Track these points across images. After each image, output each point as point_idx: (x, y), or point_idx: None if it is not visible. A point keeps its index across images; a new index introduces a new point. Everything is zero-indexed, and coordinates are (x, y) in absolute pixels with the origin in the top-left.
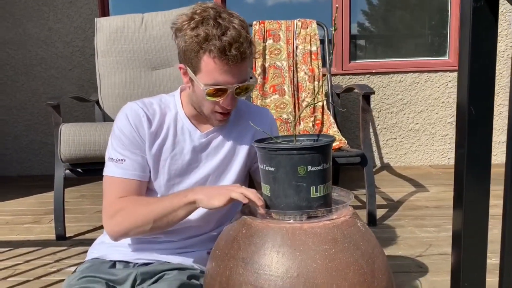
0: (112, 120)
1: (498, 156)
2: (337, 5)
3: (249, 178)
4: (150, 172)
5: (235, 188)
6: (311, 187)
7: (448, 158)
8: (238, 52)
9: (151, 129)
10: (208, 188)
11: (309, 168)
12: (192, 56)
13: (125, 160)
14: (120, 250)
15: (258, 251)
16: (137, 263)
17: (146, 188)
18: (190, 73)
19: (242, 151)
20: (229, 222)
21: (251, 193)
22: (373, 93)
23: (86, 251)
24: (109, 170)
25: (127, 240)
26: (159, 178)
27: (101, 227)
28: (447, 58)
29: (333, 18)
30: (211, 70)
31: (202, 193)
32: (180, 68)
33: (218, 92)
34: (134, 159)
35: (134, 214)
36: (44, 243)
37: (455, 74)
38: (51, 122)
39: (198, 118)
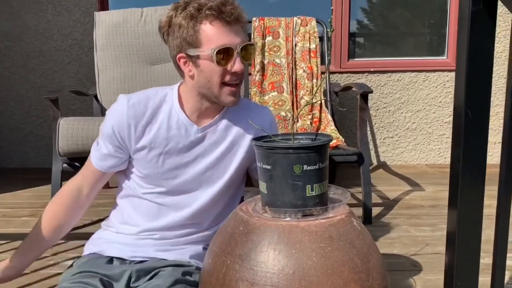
0: None
1: (493, 156)
2: (332, 7)
3: (247, 177)
4: (132, 167)
5: None
6: (307, 186)
7: (445, 158)
8: (232, 8)
9: (137, 131)
10: None
11: (305, 167)
12: (190, 33)
13: (99, 145)
14: (117, 247)
15: (255, 248)
16: (133, 261)
17: (104, 180)
18: (192, 53)
19: (241, 149)
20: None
21: None
22: (371, 92)
23: (83, 245)
24: (92, 149)
25: (124, 237)
26: (153, 173)
27: (99, 221)
28: (446, 57)
29: (330, 20)
30: (212, 35)
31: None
32: (180, 58)
33: (225, 55)
34: (104, 152)
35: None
36: None
37: (453, 74)
38: (48, 115)
39: (199, 112)
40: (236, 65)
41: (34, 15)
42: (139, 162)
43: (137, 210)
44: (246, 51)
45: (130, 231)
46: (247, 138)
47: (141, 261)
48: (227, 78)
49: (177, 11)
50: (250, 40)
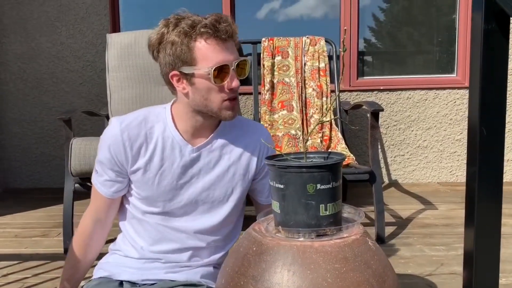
0: None
1: (507, 174)
2: (345, 28)
3: (247, 198)
4: (133, 190)
5: None
6: (321, 205)
7: (456, 176)
8: (226, 26)
9: (133, 152)
10: None
11: (318, 186)
12: (184, 51)
13: (103, 177)
14: (126, 270)
15: (268, 269)
16: (144, 284)
17: (116, 204)
18: (186, 71)
19: (239, 170)
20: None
21: None
22: (382, 110)
23: (94, 265)
24: (93, 175)
25: (132, 261)
26: (150, 194)
27: (109, 242)
28: (455, 75)
29: (342, 39)
30: (207, 53)
31: None
32: (172, 76)
33: (222, 72)
34: (107, 179)
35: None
36: (52, 257)
37: (463, 91)
38: (60, 135)
39: (193, 130)
40: (232, 82)
41: (48, 38)
42: (136, 184)
43: (139, 234)
44: (241, 67)
45: (136, 254)
46: (245, 158)
47: (152, 284)
48: (224, 95)
49: (169, 28)
50: (243, 55)
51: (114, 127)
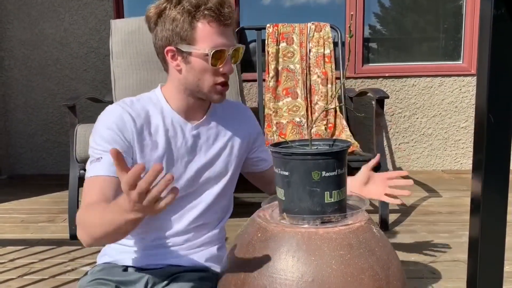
0: None
1: None
2: (352, 13)
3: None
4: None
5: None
6: (325, 192)
7: (461, 163)
8: (230, 11)
9: (138, 130)
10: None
11: (323, 173)
12: (185, 29)
13: (102, 158)
14: (131, 256)
15: (273, 255)
16: (148, 269)
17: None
18: (184, 49)
19: (236, 146)
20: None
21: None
22: (387, 97)
23: (99, 251)
24: (86, 174)
25: (137, 246)
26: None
27: None
28: (461, 62)
29: (348, 25)
30: (208, 35)
31: (135, 211)
32: (168, 51)
33: (219, 56)
34: (110, 161)
35: (93, 221)
36: (58, 242)
37: (469, 78)
38: (65, 122)
39: (187, 110)
40: (226, 66)
41: (52, 24)
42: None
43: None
44: (236, 53)
45: (141, 240)
46: (240, 136)
47: (157, 268)
48: (217, 79)
49: (171, 3)
50: (239, 42)
51: (115, 107)
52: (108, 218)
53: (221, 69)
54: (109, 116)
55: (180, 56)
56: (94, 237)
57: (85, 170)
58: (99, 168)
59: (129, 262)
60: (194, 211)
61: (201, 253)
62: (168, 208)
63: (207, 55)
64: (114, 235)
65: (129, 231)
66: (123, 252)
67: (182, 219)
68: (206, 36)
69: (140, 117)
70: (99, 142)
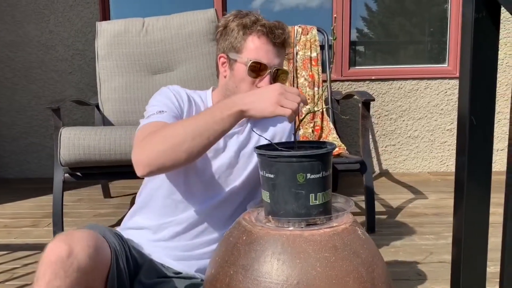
0: (112, 124)
1: (497, 163)
2: (335, 15)
3: None
4: None
5: (288, 104)
6: (310, 194)
7: (447, 165)
8: (282, 34)
9: (188, 107)
10: (251, 95)
11: (308, 175)
12: (238, 38)
13: (164, 111)
14: (136, 241)
15: (258, 258)
16: (147, 258)
17: None
18: (232, 57)
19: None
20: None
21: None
22: (373, 100)
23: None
24: (143, 122)
25: (142, 234)
26: None
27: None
28: (447, 65)
29: (332, 27)
30: (255, 46)
31: (250, 101)
32: (220, 58)
33: (259, 69)
34: (173, 115)
35: (166, 132)
36: (42, 247)
37: (454, 81)
38: (50, 125)
39: None
40: (263, 82)
41: (36, 26)
42: None
43: (154, 205)
44: (278, 75)
45: (148, 226)
46: (268, 137)
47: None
48: None
49: (236, 17)
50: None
51: (164, 89)
52: (203, 117)
53: (257, 83)
54: (169, 88)
55: (228, 63)
56: (165, 143)
57: (69, 173)
58: (160, 117)
59: (134, 251)
60: (206, 203)
61: (195, 262)
62: (186, 190)
63: (247, 64)
64: (196, 138)
65: (217, 135)
66: (135, 237)
67: (191, 209)
68: (252, 48)
69: (191, 98)
70: (160, 100)
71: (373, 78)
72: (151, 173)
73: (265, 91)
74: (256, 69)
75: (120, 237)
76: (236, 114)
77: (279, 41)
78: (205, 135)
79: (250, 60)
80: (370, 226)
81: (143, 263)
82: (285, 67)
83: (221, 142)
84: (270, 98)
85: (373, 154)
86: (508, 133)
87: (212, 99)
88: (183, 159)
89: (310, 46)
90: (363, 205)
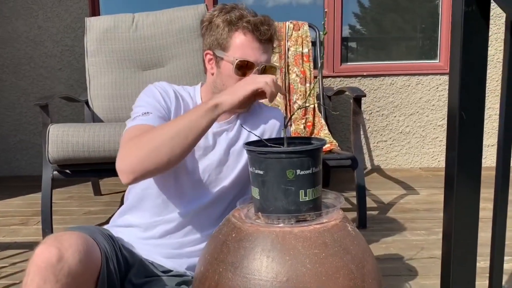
0: (102, 121)
1: (487, 159)
2: (326, 10)
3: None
4: None
5: (259, 78)
6: (300, 191)
7: (438, 161)
8: (268, 30)
9: (175, 104)
10: (228, 90)
11: (298, 172)
12: (223, 35)
13: (150, 113)
14: (126, 240)
15: (247, 256)
16: (138, 256)
17: None
18: (218, 54)
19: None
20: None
21: (275, 84)
22: (364, 95)
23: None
24: (129, 124)
25: (132, 232)
26: None
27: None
28: (438, 61)
29: (323, 22)
30: (241, 44)
31: (223, 93)
32: (206, 54)
33: (246, 67)
34: (159, 115)
35: (146, 137)
36: (31, 245)
37: (445, 77)
38: (39, 122)
39: None
40: None
41: (25, 21)
42: None
43: (144, 204)
44: (265, 71)
45: (139, 224)
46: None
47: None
48: None
49: (221, 13)
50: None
51: (160, 82)
52: (181, 118)
53: None
54: (155, 86)
55: (215, 60)
56: (146, 147)
57: (58, 171)
58: (146, 119)
59: (125, 244)
60: (195, 203)
61: (186, 260)
62: (177, 189)
63: (233, 62)
64: (175, 139)
65: (196, 135)
66: (125, 235)
67: (181, 208)
68: (238, 46)
69: (178, 96)
70: (146, 100)
71: (364, 74)
72: (136, 180)
73: (239, 82)
74: (243, 67)
75: (110, 238)
76: (212, 107)
77: (265, 37)
78: (182, 135)
79: (237, 59)
80: (362, 222)
81: (134, 263)
82: (275, 62)
83: (210, 139)
84: (243, 84)
85: (365, 150)
86: (497, 128)
87: (201, 95)
88: (165, 162)
89: (302, 42)
90: (354, 201)
